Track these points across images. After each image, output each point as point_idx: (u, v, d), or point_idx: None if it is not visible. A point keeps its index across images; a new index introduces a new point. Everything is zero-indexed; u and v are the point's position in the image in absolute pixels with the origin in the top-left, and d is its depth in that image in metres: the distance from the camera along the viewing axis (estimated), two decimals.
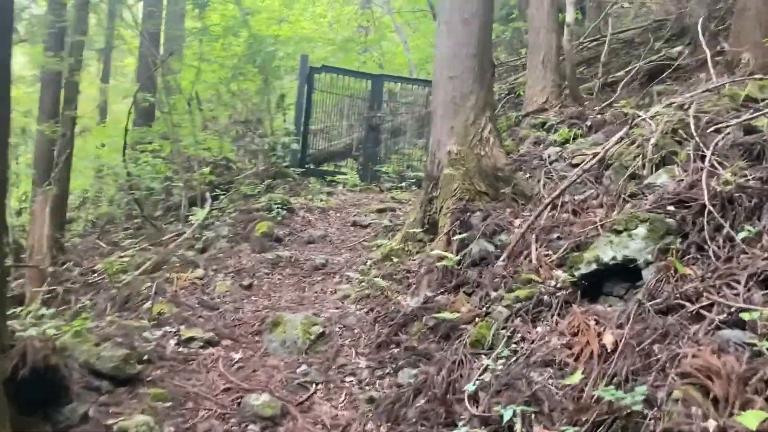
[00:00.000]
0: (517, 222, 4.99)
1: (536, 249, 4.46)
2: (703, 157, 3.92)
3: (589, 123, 7.70)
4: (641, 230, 3.59)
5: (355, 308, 4.87)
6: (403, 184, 10.39)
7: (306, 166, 10.50)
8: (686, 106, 4.61)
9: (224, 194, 10.88)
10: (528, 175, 5.52)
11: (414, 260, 5.54)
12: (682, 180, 3.85)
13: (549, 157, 5.64)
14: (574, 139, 7.38)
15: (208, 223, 7.52)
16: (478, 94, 5.70)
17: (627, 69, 9.74)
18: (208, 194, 9.00)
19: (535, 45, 9.69)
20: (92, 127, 17.77)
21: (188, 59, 13.30)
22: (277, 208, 7.36)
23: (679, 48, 8.96)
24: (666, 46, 10.66)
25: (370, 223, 7.27)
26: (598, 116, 7.89)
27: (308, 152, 10.56)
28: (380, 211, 8.03)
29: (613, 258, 3.62)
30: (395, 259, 5.55)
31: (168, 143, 11.48)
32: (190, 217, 7.54)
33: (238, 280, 5.42)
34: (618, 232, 3.68)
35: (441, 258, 4.88)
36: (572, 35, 9.65)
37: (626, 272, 3.64)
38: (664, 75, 8.77)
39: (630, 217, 3.68)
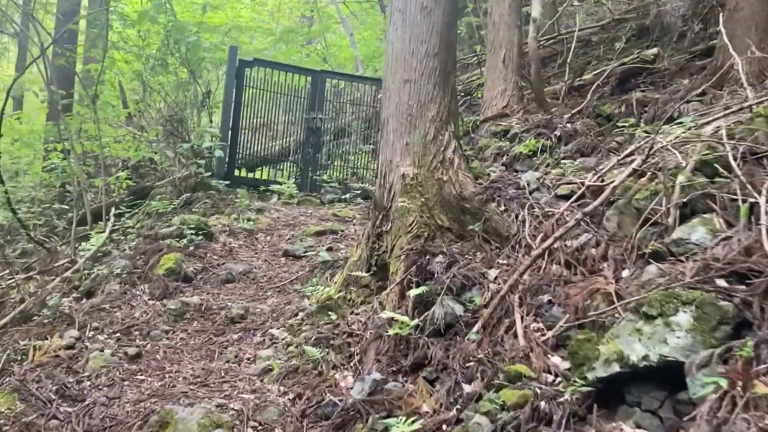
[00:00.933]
0: (492, 273, 3.84)
1: (522, 319, 3.32)
2: (753, 205, 2.85)
3: (558, 133, 6.67)
4: (684, 317, 2.47)
5: (278, 391, 3.60)
6: (347, 195, 9.14)
7: (234, 174, 9.10)
8: (714, 130, 3.56)
9: (139, 204, 9.44)
10: (503, 207, 4.37)
11: (358, 315, 4.32)
12: (731, 239, 2.76)
13: (528, 185, 4.51)
14: (542, 151, 6.32)
15: (105, 250, 6.07)
16: (440, 103, 4.51)
17: (596, 72, 8.78)
18: (112, 210, 7.50)
19: (496, 42, 8.60)
20: None
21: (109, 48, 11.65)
22: (191, 233, 5.99)
23: (654, 50, 8.04)
24: (630, 46, 9.81)
25: (305, 253, 5.99)
26: (568, 125, 6.88)
27: (237, 158, 9.15)
28: (319, 234, 6.76)
29: (645, 358, 2.49)
30: (333, 315, 4.31)
31: (79, 141, 9.87)
32: (85, 244, 6.06)
33: (124, 346, 4.06)
34: (649, 318, 2.56)
35: (393, 321, 3.69)
36: (538, 32, 8.62)
37: (660, 374, 2.54)
38: (639, 79, 7.84)
39: (667, 296, 2.56)
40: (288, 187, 8.96)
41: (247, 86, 9.07)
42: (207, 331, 4.45)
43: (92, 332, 4.25)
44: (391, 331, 3.63)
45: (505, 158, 6.61)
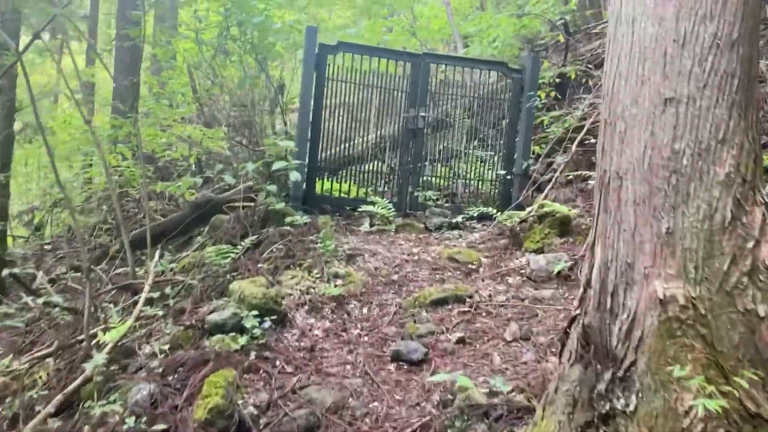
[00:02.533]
0: None
1: None
2: None
3: None
4: None
5: None
6: (459, 218, 6.90)
7: (314, 193, 7.03)
8: None
9: (201, 223, 7.61)
10: None
11: None
12: None
13: None
14: None
15: (129, 344, 4.12)
16: (741, 146, 2.16)
17: None
18: (157, 252, 5.60)
19: None
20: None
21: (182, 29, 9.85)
22: (254, 321, 3.94)
23: None
24: None
25: (426, 356, 3.81)
26: None
27: (318, 166, 7.06)
28: (438, 304, 4.59)
29: None
30: None
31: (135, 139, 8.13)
32: (100, 336, 4.12)
33: None
34: None
35: None
36: None
37: None
38: None
39: None
40: (382, 208, 6.82)
41: (330, 78, 6.92)
42: None
43: None
44: None
45: None
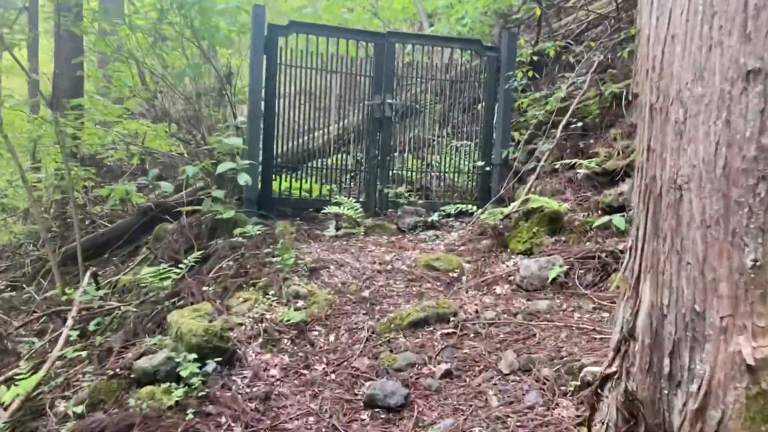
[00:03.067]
0: None
1: None
2: None
3: None
4: None
5: None
6: (434, 216, 6.22)
7: (270, 194, 6.25)
8: None
9: (148, 232, 6.79)
10: None
11: None
12: None
13: None
14: None
15: (39, 402, 3.33)
16: None
17: None
18: (88, 272, 4.77)
19: None
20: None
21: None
22: (192, 367, 3.18)
23: None
24: None
25: (405, 400, 3.11)
26: None
27: (274, 164, 6.28)
28: (416, 325, 3.89)
29: None
30: None
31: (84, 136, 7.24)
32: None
33: None
34: None
35: None
36: None
37: None
38: None
39: None
40: (349, 209, 6.10)
41: (283, 63, 6.12)
42: None
43: None
44: None
45: None
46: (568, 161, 5.83)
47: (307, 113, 6.38)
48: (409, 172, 7.02)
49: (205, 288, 4.29)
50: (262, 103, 6.02)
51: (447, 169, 6.93)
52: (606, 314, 3.87)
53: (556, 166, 6.03)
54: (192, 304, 4.01)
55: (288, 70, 6.15)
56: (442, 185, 6.95)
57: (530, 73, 7.06)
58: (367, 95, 6.48)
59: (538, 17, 8.32)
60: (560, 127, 6.12)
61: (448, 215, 6.36)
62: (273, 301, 4.18)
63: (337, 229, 6.11)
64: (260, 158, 6.01)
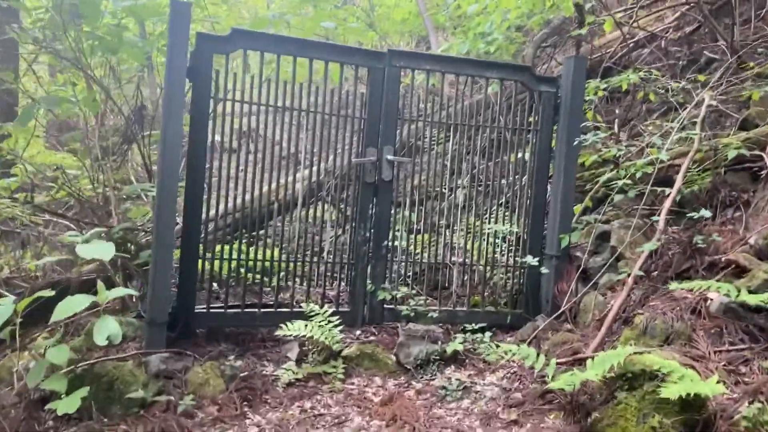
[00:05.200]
0: None
1: None
2: None
3: None
4: None
5: None
6: (457, 344, 3.88)
7: (192, 307, 3.86)
8: None
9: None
10: None
11: None
12: None
13: None
14: None
15: None
16: None
17: None
18: None
19: None
20: None
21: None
22: None
23: None
24: None
25: None
26: None
27: (197, 259, 3.91)
28: None
29: None
30: None
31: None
32: None
33: None
34: None
35: None
36: None
37: None
38: None
39: None
40: (320, 326, 3.75)
41: (218, 96, 3.75)
42: None
43: None
44: None
45: None
46: (691, 263, 3.49)
47: (258, 174, 4.00)
48: (417, 264, 4.64)
49: None
50: (182, 161, 3.65)
51: (475, 261, 4.55)
52: None
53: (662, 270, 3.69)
54: None
55: (228, 106, 3.79)
56: (465, 281, 4.56)
57: (598, 118, 4.75)
58: (355, 146, 4.13)
59: (577, 35, 5.98)
60: (664, 209, 3.79)
61: (479, 331, 4.01)
62: None
63: (299, 363, 3.74)
64: (180, 239, 3.64)
